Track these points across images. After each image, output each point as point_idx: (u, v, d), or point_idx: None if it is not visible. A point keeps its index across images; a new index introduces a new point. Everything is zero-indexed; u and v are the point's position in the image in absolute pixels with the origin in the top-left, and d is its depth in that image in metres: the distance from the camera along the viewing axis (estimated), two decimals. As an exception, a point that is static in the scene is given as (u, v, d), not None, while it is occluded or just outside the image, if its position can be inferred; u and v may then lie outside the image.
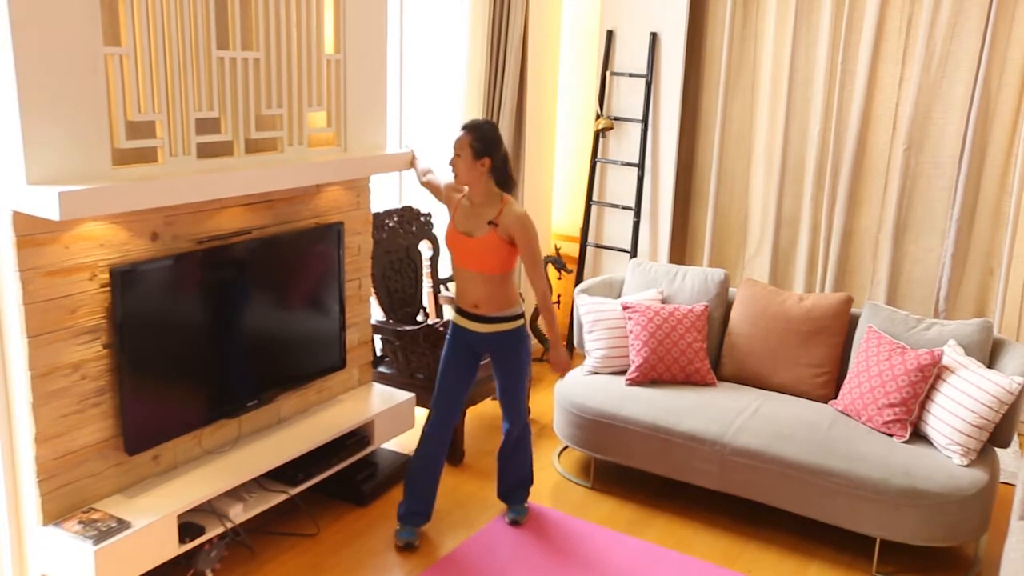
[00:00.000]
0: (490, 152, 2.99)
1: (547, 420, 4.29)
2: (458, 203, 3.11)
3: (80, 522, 2.59)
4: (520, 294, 3.28)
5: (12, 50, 2.28)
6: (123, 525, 2.58)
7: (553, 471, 3.85)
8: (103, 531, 2.55)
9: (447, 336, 3.23)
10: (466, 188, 3.07)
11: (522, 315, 3.17)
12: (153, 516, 2.65)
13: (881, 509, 3.06)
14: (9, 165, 2.38)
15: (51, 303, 2.50)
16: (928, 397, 3.26)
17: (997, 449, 3.26)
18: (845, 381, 3.53)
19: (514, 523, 3.38)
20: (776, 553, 3.26)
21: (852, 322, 3.67)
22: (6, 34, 2.27)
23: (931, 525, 3.02)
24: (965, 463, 3.08)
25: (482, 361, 3.25)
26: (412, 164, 3.44)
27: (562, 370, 3.29)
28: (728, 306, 3.92)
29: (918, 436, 3.27)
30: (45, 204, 2.30)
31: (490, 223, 2.99)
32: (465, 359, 3.19)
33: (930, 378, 3.24)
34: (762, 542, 3.32)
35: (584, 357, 3.95)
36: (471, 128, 3.00)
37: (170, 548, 2.71)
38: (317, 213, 3.36)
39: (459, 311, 3.17)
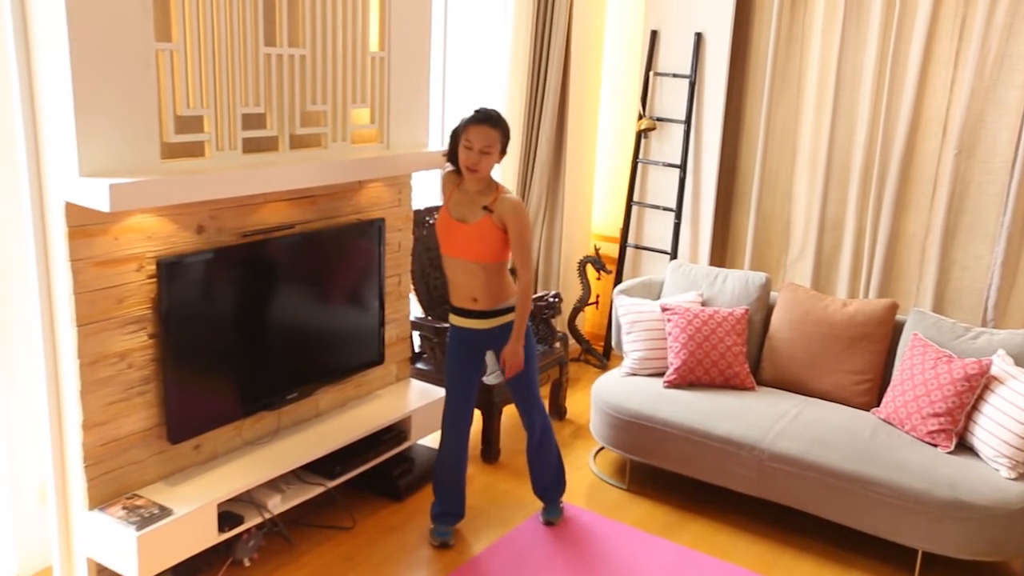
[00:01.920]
0: (507, 146, 2.98)
1: (583, 421, 4.28)
2: (452, 192, 3.07)
3: (124, 508, 2.64)
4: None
5: (68, 45, 2.33)
6: (165, 512, 2.63)
7: (588, 472, 3.83)
8: (146, 517, 2.60)
9: (447, 339, 3.18)
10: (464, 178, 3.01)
11: None
12: (194, 504, 2.69)
13: (924, 521, 2.99)
14: (63, 158, 2.43)
15: (100, 293, 2.55)
16: (975, 408, 3.18)
17: (1046, 463, 3.16)
18: (888, 389, 3.46)
19: (548, 523, 3.37)
20: (813, 562, 3.20)
21: (896, 329, 3.61)
22: (62, 29, 2.32)
23: (976, 539, 2.94)
24: (1013, 476, 3.00)
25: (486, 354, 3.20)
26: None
27: (512, 369, 3.03)
28: (769, 310, 3.87)
29: (964, 447, 3.20)
30: (96, 196, 2.35)
31: (485, 208, 2.94)
32: (470, 359, 3.13)
33: (977, 388, 3.16)
34: (799, 550, 3.27)
35: (622, 358, 3.92)
36: (497, 123, 2.92)
37: (210, 536, 2.75)
38: (359, 209, 3.39)
39: (455, 310, 3.10)
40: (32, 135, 2.49)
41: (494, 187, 2.99)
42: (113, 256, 2.57)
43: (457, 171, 3.01)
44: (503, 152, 2.97)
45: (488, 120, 2.92)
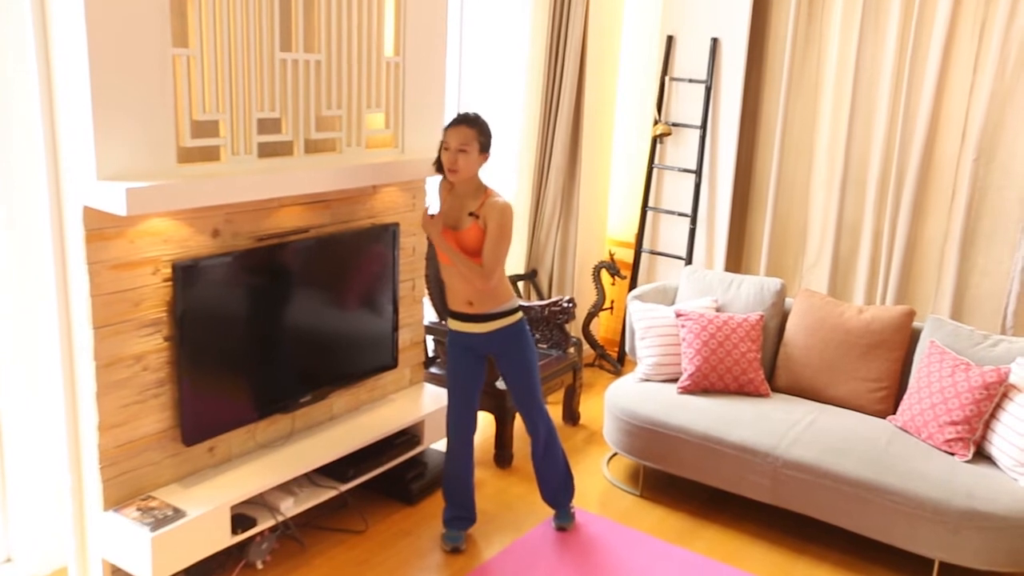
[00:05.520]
0: (490, 145, 2.99)
1: (597, 426, 4.27)
2: (445, 197, 3.07)
3: (138, 509, 2.67)
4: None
5: (87, 50, 2.36)
6: (179, 514, 2.66)
7: (601, 478, 3.83)
8: (160, 519, 2.62)
9: (447, 344, 3.19)
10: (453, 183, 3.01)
11: (519, 308, 3.10)
12: (207, 506, 2.71)
13: (941, 530, 2.97)
14: (81, 162, 2.47)
15: (116, 296, 2.58)
16: (993, 416, 3.16)
17: (1066, 472, 3.13)
18: (905, 397, 3.44)
19: (560, 529, 3.37)
20: (829, 571, 3.18)
21: (914, 336, 3.58)
22: (81, 34, 2.36)
23: (994, 549, 2.92)
24: (1031, 486, 2.97)
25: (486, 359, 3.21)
26: None
27: (426, 225, 3.01)
28: (784, 316, 3.85)
29: (982, 456, 3.17)
30: (113, 200, 2.38)
31: (471, 215, 2.96)
32: (470, 363, 3.14)
33: (996, 396, 3.13)
34: (814, 558, 3.25)
35: (636, 364, 3.92)
36: (472, 122, 2.94)
37: (223, 538, 2.77)
38: (373, 213, 3.40)
39: (453, 314, 3.11)
40: (51, 139, 2.52)
41: (482, 191, 3.00)
42: (129, 259, 2.60)
43: (447, 178, 3.03)
44: (484, 152, 2.96)
45: (463, 120, 2.94)
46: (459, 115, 2.97)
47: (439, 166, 3.02)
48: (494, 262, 2.95)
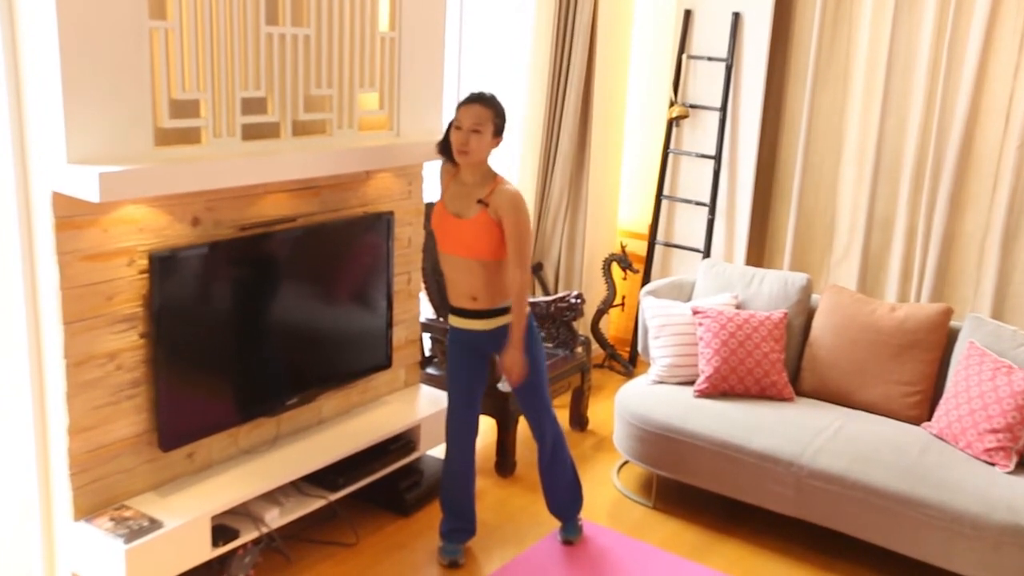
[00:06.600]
0: (504, 128, 2.99)
1: (606, 432, 4.27)
2: (448, 184, 3.08)
3: (112, 519, 2.67)
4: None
5: (56, 22, 2.35)
6: (155, 525, 2.65)
7: (611, 487, 3.83)
8: (134, 530, 2.62)
9: (447, 343, 3.19)
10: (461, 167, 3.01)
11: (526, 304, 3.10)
12: (186, 517, 2.71)
13: (979, 547, 2.96)
14: (50, 144, 2.46)
15: (88, 288, 2.57)
16: (1037, 423, 3.15)
17: (1115, 485, 3.12)
18: (941, 402, 3.43)
19: (567, 542, 3.37)
20: (857, 589, 3.19)
21: (951, 337, 3.57)
22: (50, 6, 2.34)
23: (1036, 567, 2.91)
24: (1078, 499, 2.96)
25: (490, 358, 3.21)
26: None
27: (514, 378, 3.02)
28: (810, 314, 3.85)
29: (1024, 467, 3.17)
30: (85, 185, 2.37)
31: (480, 202, 2.95)
32: (472, 362, 3.14)
33: (1040, 402, 3.12)
34: (841, 576, 3.25)
35: (649, 365, 3.92)
36: (487, 101, 2.94)
37: (203, 551, 2.77)
38: (366, 201, 3.40)
39: (454, 310, 3.11)
40: (17, 119, 2.51)
41: (491, 178, 3.00)
42: (102, 249, 2.59)
43: (452, 162, 3.02)
44: (498, 136, 2.97)
45: (478, 99, 2.94)
46: (473, 93, 2.97)
47: (443, 147, 3.01)
48: (522, 260, 2.95)
